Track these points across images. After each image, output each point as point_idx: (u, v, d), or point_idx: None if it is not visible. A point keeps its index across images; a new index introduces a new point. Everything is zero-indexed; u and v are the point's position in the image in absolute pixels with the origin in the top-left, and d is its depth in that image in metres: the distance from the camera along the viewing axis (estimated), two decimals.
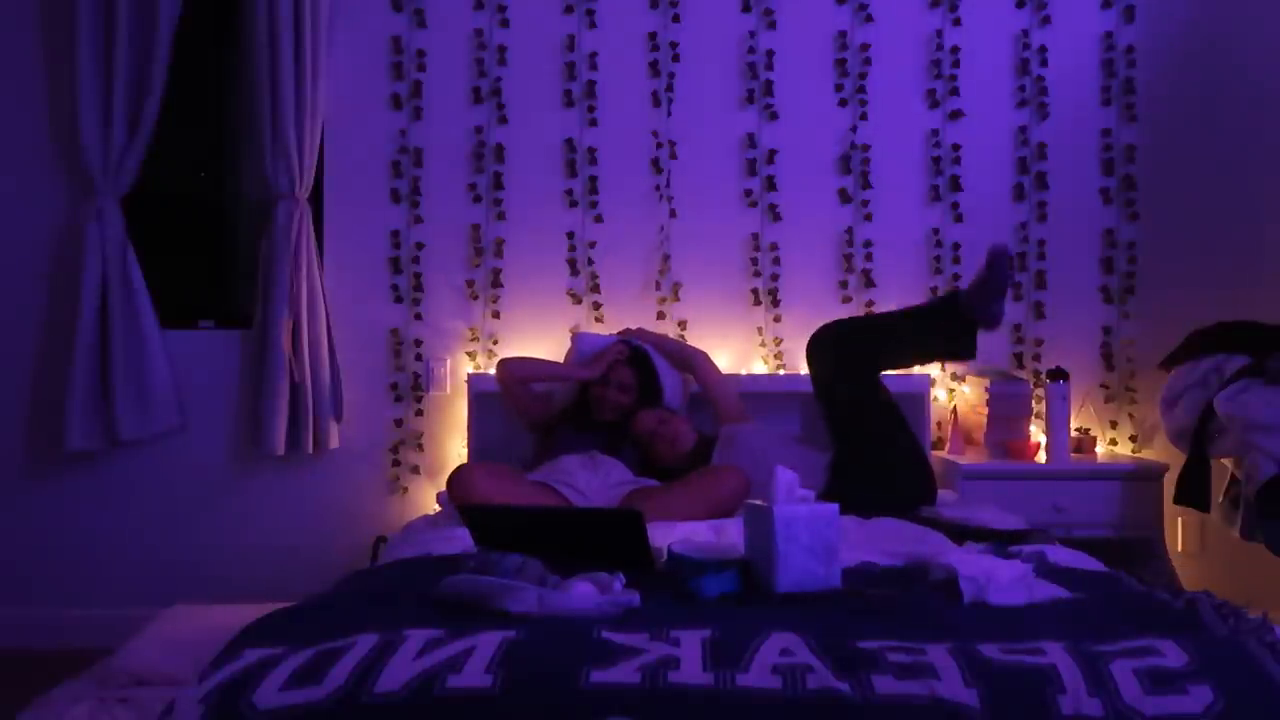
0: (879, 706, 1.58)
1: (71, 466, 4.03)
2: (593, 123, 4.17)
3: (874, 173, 4.21)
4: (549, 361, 3.98)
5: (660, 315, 4.15)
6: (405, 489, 4.14)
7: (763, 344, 4.17)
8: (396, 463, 4.15)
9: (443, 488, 4.01)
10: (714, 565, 2.15)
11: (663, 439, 3.61)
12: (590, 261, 4.17)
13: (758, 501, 2.21)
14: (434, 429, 4.16)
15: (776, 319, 4.15)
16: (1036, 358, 4.23)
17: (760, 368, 4.14)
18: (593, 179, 4.17)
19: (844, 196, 4.20)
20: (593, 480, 3.30)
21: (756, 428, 3.72)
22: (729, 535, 2.71)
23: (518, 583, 1.99)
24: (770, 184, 4.19)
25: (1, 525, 4.05)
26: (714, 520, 2.98)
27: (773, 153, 4.19)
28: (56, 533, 4.06)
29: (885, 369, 3.57)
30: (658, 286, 4.16)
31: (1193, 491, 3.52)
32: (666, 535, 2.56)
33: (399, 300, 4.16)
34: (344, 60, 4.12)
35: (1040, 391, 4.10)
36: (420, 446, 4.15)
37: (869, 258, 4.22)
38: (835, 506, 2.19)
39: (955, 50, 4.22)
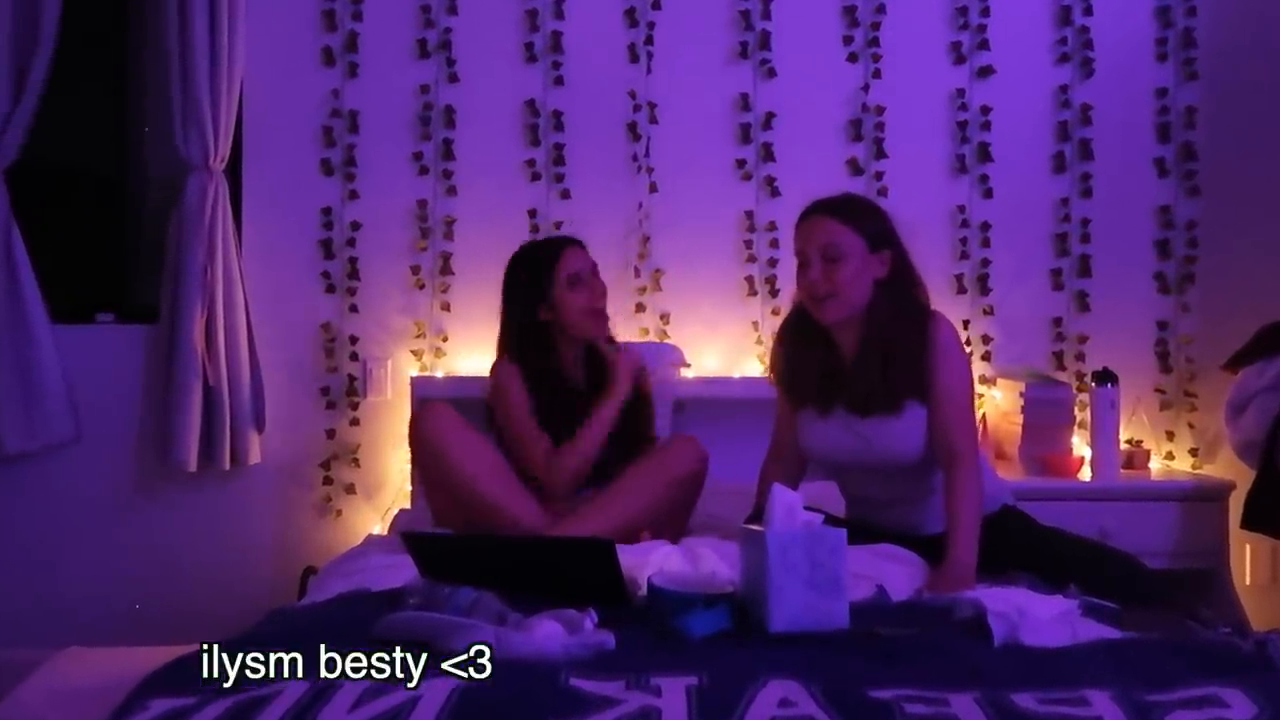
0: None
1: None
2: (558, 81, 4.17)
3: (889, 140, 4.22)
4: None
5: (639, 307, 4.14)
6: (339, 511, 4.14)
7: (759, 341, 4.17)
8: (328, 480, 4.14)
9: (383, 510, 4.04)
10: (702, 600, 2.15)
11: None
12: None
13: (754, 526, 2.22)
14: (372, 441, 4.16)
15: (774, 312, 4.14)
16: (1080, 357, 4.25)
17: (755, 369, 4.14)
18: (558, 147, 4.17)
19: (854, 168, 4.21)
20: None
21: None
22: (708, 563, 2.71)
23: (471, 621, 1.99)
24: (767, 153, 4.20)
25: None
26: (687, 542, 2.97)
27: (770, 116, 4.20)
28: None
29: None
30: (636, 274, 4.15)
31: (1263, 513, 3.54)
32: (638, 560, 2.56)
33: (331, 290, 4.15)
34: (266, 8, 4.09)
35: (1084, 397, 4.11)
36: (356, 461, 4.14)
37: None
38: (842, 531, 2.19)
39: None
